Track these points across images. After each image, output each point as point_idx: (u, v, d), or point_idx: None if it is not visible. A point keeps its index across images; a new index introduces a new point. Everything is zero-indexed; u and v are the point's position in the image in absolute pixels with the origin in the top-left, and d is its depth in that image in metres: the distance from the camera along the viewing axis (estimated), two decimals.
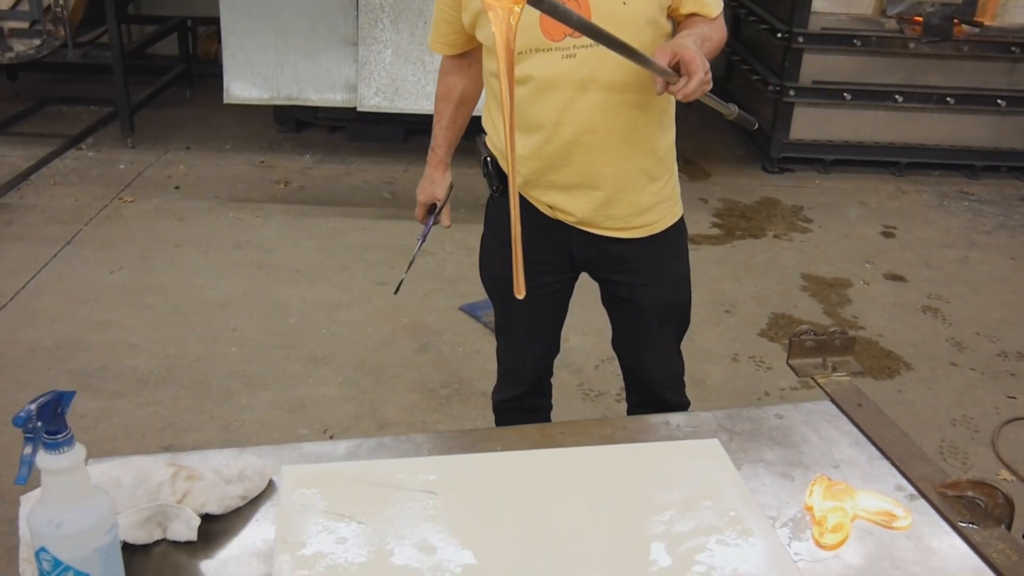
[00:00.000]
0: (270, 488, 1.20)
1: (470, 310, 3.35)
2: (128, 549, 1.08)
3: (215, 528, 1.14)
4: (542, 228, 1.70)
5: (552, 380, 2.06)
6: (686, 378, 1.94)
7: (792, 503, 1.22)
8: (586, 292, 1.93)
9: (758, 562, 1.12)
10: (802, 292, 3.64)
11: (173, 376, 2.94)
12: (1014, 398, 2.99)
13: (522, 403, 1.96)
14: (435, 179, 1.91)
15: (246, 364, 3.01)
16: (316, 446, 1.29)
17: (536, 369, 1.93)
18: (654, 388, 1.88)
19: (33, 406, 0.90)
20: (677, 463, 1.29)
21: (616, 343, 1.92)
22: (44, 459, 0.92)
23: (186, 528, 1.10)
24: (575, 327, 1.99)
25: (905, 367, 3.16)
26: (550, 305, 1.86)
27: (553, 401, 2.09)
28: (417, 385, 2.94)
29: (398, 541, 1.12)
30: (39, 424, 0.90)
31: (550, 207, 1.70)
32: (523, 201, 1.68)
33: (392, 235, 3.91)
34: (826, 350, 1.52)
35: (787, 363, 1.52)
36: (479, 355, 3.07)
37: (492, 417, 2.10)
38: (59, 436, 0.91)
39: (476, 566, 1.10)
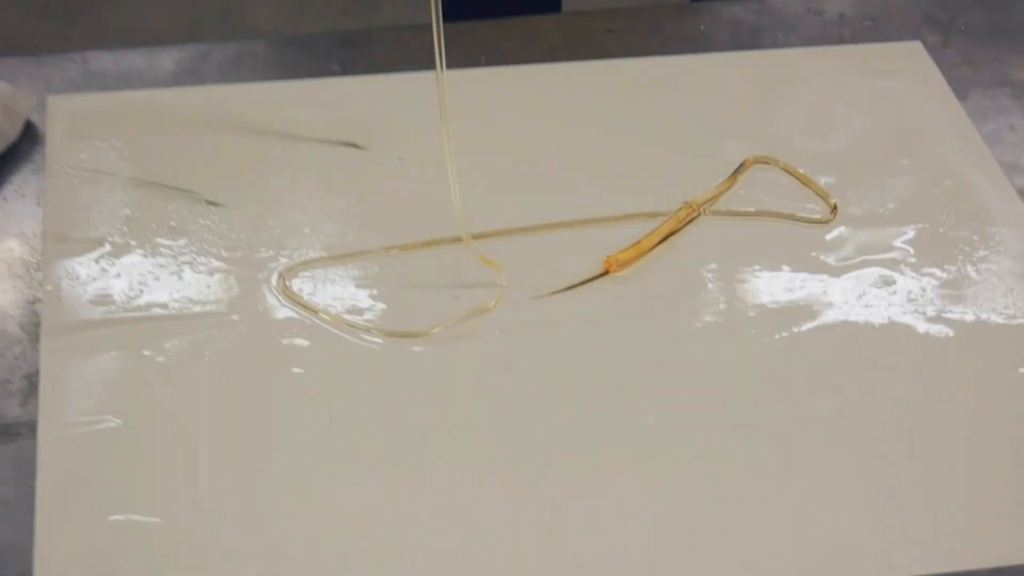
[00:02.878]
0: (29, 140, 1.05)
1: None
2: None
3: None
4: None
5: None
6: None
7: None
8: None
9: (1003, 277, 0.92)
10: None
11: None
12: None
13: None
14: None
15: None
16: (115, 57, 1.15)
17: None
18: None
19: None
20: (842, 90, 1.10)
21: None
22: None
23: None
24: None
25: None
26: None
27: None
28: None
29: (301, 240, 0.94)
30: None
31: None
32: None
33: None
34: None
35: None
36: None
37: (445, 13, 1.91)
38: None
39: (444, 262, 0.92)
